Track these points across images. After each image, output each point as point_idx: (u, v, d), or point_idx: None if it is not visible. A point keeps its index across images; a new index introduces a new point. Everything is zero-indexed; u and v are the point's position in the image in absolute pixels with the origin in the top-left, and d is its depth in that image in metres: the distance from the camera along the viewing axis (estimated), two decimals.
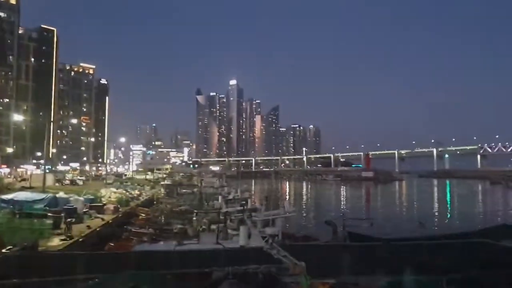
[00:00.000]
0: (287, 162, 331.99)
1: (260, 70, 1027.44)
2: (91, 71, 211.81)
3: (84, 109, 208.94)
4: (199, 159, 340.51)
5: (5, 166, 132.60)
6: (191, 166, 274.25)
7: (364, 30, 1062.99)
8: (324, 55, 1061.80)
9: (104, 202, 44.69)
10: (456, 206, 75.60)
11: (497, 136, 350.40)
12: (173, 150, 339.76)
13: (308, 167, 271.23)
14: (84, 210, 38.89)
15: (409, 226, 42.93)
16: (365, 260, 13.16)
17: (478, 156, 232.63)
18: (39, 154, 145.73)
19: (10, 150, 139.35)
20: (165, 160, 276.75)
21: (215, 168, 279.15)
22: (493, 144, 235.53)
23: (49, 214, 32.56)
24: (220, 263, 11.40)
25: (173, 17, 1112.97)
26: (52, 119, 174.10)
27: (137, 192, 67.06)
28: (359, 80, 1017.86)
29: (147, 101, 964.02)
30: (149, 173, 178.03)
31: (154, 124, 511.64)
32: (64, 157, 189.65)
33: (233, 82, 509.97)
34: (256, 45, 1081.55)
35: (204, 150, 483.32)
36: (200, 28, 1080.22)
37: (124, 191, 56.98)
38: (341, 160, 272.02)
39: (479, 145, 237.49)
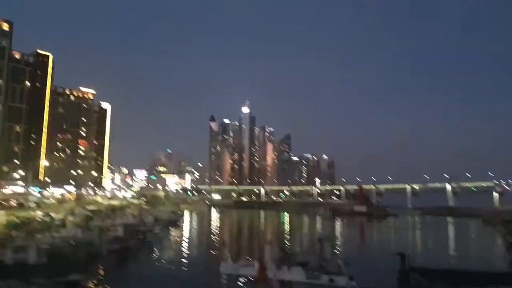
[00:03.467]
0: (286, 193, 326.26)
1: (273, 97, 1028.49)
2: (90, 96, 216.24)
3: (83, 133, 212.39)
4: (208, 187, 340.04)
5: None
6: (190, 193, 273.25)
7: (378, 63, 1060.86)
8: (340, 83, 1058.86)
9: None
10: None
11: None
12: (175, 176, 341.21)
13: (320, 199, 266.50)
14: None
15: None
16: None
17: (494, 193, 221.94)
18: (19, 174, 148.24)
19: None
20: (165, 186, 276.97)
21: (216, 196, 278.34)
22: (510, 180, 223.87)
23: None
24: None
25: (185, 44, 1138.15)
26: (44, 141, 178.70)
27: (59, 216, 66.71)
28: (375, 110, 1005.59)
29: (161, 127, 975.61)
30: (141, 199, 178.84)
31: (169, 150, 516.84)
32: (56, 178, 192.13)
33: (245, 109, 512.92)
34: (269, 72, 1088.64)
35: (216, 177, 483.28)
36: (213, 53, 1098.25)
37: (14, 214, 56.68)
38: (351, 192, 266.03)
39: (495, 181, 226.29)
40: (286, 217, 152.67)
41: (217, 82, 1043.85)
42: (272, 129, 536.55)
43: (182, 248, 54.28)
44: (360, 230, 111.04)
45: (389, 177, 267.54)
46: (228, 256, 18.97)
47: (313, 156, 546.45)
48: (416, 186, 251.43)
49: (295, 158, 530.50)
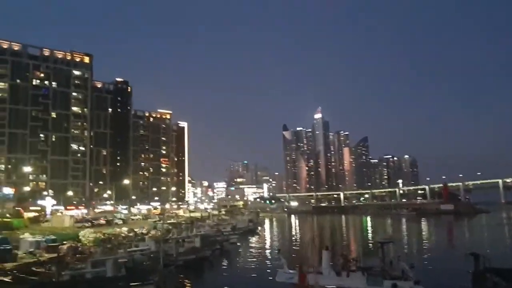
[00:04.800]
0: (366, 196, 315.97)
1: (346, 101, 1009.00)
2: (168, 116, 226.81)
3: (164, 152, 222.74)
4: (286, 194, 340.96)
5: (82, 206, 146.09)
6: (268, 201, 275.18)
7: (459, 58, 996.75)
8: (414, 81, 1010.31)
9: (65, 242, 48.14)
10: None
11: None
12: (252, 186, 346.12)
13: (404, 200, 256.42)
14: (30, 250, 42.35)
15: None
16: None
17: None
18: (108, 194, 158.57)
19: (71, 193, 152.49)
20: (243, 197, 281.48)
21: (294, 203, 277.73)
22: None
23: None
24: None
25: (255, 58, 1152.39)
26: (129, 162, 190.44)
27: (143, 231, 70.39)
28: (457, 104, 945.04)
29: (237, 139, 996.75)
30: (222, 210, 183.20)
31: (245, 161, 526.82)
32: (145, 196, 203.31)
33: (318, 115, 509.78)
34: (339, 75, 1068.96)
35: (294, 185, 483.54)
36: (282, 62, 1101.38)
37: (101, 231, 60.47)
38: (436, 191, 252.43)
39: None
40: (368, 221, 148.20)
41: (288, 91, 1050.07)
42: (347, 133, 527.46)
43: (258, 257, 54.59)
44: (447, 230, 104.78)
45: (477, 173, 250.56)
46: (284, 264, 18.60)
47: (394, 157, 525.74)
48: (508, 180, 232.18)
49: (374, 161, 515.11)
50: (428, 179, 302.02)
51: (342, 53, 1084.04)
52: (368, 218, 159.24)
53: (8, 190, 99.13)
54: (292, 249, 63.20)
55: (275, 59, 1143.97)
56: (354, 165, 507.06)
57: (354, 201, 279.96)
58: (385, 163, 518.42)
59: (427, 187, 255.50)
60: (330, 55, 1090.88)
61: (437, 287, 22.69)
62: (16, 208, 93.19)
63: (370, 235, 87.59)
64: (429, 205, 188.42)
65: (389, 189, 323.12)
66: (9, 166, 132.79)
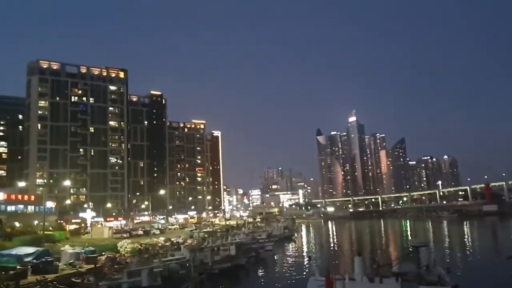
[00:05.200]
0: (404, 199, 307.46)
1: (381, 103, 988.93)
2: (201, 126, 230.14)
3: (199, 161, 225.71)
4: (322, 200, 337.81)
5: (121, 218, 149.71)
6: (303, 208, 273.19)
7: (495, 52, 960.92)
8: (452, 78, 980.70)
9: (103, 253, 49.43)
10: None
11: None
12: (287, 193, 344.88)
13: (445, 202, 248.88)
14: (70, 261, 43.75)
15: None
16: None
17: None
18: (146, 205, 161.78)
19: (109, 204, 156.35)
20: (279, 203, 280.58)
21: (331, 209, 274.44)
22: None
23: (18, 266, 38.04)
24: None
25: (285, 63, 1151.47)
26: (165, 173, 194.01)
27: (180, 240, 71.36)
28: (496, 101, 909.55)
29: (271, 146, 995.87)
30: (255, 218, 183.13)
31: (280, 168, 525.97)
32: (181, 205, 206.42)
33: (352, 119, 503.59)
34: (373, 76, 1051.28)
35: (330, 190, 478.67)
36: (313, 67, 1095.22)
37: (139, 242, 61.57)
38: (478, 191, 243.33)
39: None
40: (407, 224, 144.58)
41: (321, 95, 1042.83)
42: (383, 135, 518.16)
43: (292, 264, 54.17)
44: (491, 232, 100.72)
45: None
46: (316, 271, 18.30)
47: (432, 158, 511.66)
48: None
49: (412, 162, 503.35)
50: (469, 179, 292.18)
51: (375, 55, 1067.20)
52: (408, 222, 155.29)
53: (50, 204, 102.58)
54: (325, 256, 62.46)
55: (307, 63, 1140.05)
56: (391, 168, 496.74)
57: (392, 205, 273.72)
58: (423, 165, 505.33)
59: (468, 188, 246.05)
60: (363, 57, 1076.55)
61: None
62: (59, 221, 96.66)
63: (408, 239, 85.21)
64: (471, 207, 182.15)
65: (429, 191, 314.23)
66: (51, 181, 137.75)
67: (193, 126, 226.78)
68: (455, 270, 23.09)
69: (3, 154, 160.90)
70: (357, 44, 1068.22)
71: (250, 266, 50.54)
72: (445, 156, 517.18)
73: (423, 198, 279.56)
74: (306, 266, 49.21)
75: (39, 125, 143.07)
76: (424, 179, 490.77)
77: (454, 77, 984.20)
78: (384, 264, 24.45)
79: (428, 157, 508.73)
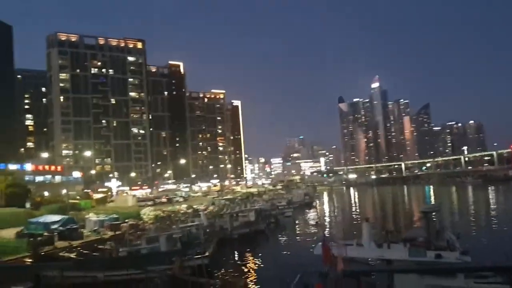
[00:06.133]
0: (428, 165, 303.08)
1: (404, 68, 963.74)
2: (221, 96, 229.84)
3: (219, 131, 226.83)
4: (344, 167, 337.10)
5: (146, 186, 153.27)
6: (325, 175, 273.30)
7: None
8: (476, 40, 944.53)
9: (126, 220, 50.89)
10: None
11: None
12: (309, 161, 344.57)
13: (470, 167, 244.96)
14: (95, 229, 45.27)
15: None
16: None
17: None
18: (166, 173, 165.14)
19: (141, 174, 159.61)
20: (300, 171, 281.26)
21: (353, 176, 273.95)
22: None
23: (45, 233, 39.62)
24: None
25: (309, 28, 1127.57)
26: (187, 142, 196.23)
27: (201, 207, 72.71)
28: None
29: (291, 115, 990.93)
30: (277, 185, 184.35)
31: (301, 136, 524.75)
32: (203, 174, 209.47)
33: (375, 85, 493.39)
34: (396, 41, 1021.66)
35: (352, 157, 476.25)
36: (335, 33, 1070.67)
37: (162, 209, 63.03)
38: (505, 156, 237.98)
39: None
40: (431, 190, 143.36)
41: (342, 61, 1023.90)
42: (407, 101, 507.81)
43: (310, 230, 54.65)
44: None
45: None
46: (323, 237, 18.42)
47: (458, 123, 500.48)
48: None
49: (436, 128, 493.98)
50: (496, 144, 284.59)
51: (397, 18, 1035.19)
52: (431, 188, 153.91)
53: (76, 174, 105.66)
54: (340, 221, 62.77)
55: (327, 29, 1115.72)
56: (415, 134, 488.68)
57: (416, 171, 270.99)
58: (448, 130, 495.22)
59: (494, 153, 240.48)
60: (385, 21, 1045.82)
61: (489, 257, 21.36)
62: (85, 191, 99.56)
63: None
64: (496, 172, 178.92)
65: (453, 157, 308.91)
66: (76, 152, 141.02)
67: (213, 96, 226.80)
68: (470, 236, 22.72)
69: (30, 127, 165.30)
70: (380, 7, 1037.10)
71: (269, 232, 51.23)
72: (471, 121, 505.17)
73: (448, 163, 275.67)
74: (325, 230, 49.55)
75: (61, 97, 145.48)
76: (449, 144, 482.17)
77: (481, 40, 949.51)
78: (394, 230, 24.39)
79: (453, 122, 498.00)
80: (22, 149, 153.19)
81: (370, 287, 16.77)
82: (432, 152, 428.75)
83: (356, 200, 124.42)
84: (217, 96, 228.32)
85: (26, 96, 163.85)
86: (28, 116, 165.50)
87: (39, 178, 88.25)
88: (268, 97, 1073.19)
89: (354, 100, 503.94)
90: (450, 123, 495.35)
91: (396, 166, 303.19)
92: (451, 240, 20.04)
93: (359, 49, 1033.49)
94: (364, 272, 17.60)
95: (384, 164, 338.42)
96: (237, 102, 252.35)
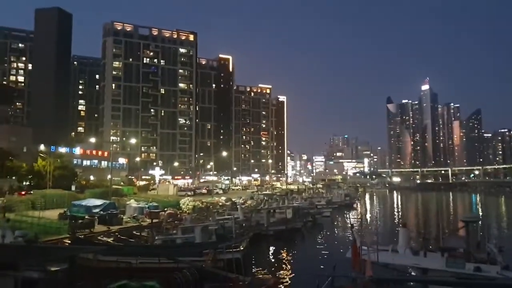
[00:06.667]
0: (476, 173, 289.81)
1: (456, 72, 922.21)
2: (268, 90, 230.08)
3: (264, 125, 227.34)
4: (388, 170, 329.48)
5: (188, 177, 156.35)
6: (368, 177, 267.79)
7: None
8: None
9: (165, 209, 51.99)
10: None
11: None
12: (352, 161, 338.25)
13: None
14: (134, 215, 46.57)
15: None
16: None
17: None
18: (209, 164, 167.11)
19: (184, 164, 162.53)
20: (342, 171, 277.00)
21: (397, 179, 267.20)
22: None
23: (86, 217, 41.24)
24: None
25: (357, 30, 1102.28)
26: (231, 135, 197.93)
27: (240, 200, 73.25)
28: None
29: (338, 113, 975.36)
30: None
31: (346, 135, 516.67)
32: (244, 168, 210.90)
33: (425, 87, 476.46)
34: (449, 43, 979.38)
35: (397, 160, 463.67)
36: (385, 30, 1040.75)
37: (201, 200, 63.85)
38: None
39: None
40: (477, 199, 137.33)
41: (393, 63, 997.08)
42: (457, 105, 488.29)
43: (348, 231, 53.68)
44: None
45: None
46: (357, 240, 17.87)
47: (510, 131, 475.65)
48: None
49: (487, 135, 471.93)
50: None
51: (451, 21, 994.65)
52: (478, 196, 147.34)
53: (122, 160, 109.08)
54: (379, 225, 61.13)
55: (378, 28, 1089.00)
56: (464, 139, 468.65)
57: (463, 178, 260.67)
58: (500, 138, 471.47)
59: None
60: (438, 23, 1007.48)
61: None
62: (129, 177, 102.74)
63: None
64: None
65: (504, 166, 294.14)
66: (124, 139, 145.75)
67: (259, 90, 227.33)
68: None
69: (82, 112, 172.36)
70: (435, 10, 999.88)
71: (305, 231, 50.81)
72: None
73: (498, 172, 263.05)
74: (359, 234, 48.54)
75: (113, 85, 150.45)
76: (500, 152, 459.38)
77: None
78: (432, 238, 23.36)
79: (506, 130, 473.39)
80: (73, 133, 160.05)
81: None
82: (481, 160, 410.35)
83: (399, 204, 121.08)
84: (264, 91, 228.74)
85: (80, 82, 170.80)
86: (81, 101, 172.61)
87: (86, 162, 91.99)
88: (315, 94, 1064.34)
89: (403, 101, 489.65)
90: (502, 130, 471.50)
91: (443, 172, 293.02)
92: (492, 253, 19.02)
93: (410, 49, 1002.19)
94: (395, 280, 16.95)
95: (430, 169, 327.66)
96: (283, 98, 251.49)
